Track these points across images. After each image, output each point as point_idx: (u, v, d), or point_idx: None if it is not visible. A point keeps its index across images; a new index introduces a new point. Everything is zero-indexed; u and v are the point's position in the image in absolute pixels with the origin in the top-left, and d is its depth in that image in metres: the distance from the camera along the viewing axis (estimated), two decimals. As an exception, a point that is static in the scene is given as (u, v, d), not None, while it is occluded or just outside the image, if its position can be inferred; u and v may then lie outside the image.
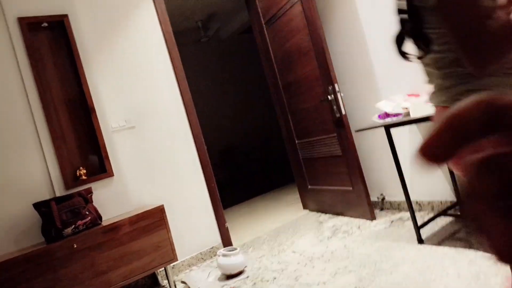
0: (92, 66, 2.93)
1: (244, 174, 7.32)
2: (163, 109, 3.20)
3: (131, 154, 3.01)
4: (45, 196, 2.64)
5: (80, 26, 2.93)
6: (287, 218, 3.83)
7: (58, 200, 2.45)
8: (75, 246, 2.32)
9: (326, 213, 3.57)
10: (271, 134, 7.97)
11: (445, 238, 2.34)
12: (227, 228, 3.34)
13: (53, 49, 2.83)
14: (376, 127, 2.34)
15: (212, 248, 3.24)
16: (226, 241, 3.31)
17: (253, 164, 7.46)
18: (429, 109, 2.23)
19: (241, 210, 4.92)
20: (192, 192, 3.24)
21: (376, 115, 2.54)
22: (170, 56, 3.27)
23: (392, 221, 2.89)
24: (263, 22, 3.72)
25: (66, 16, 2.85)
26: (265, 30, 3.70)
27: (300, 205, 4.10)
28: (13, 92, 2.64)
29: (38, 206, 2.42)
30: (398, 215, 3.00)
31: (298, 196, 4.64)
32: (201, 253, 3.19)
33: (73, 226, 2.40)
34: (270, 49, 3.70)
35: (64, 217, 2.40)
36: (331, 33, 3.26)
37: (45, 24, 2.81)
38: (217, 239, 3.29)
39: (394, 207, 3.15)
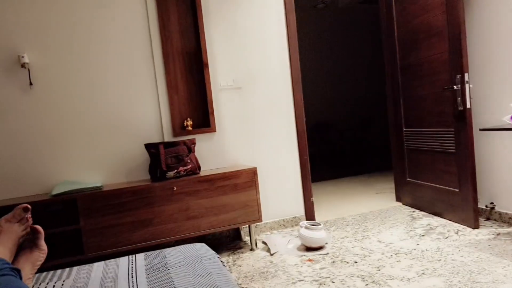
0: (211, 23, 3.04)
1: (336, 152, 7.16)
2: (270, 74, 3.22)
3: (234, 113, 3.11)
4: (155, 139, 2.89)
5: (206, -18, 3.02)
6: (376, 206, 3.67)
7: (166, 144, 2.66)
8: (175, 189, 2.52)
9: (421, 210, 3.33)
10: (372, 116, 7.60)
11: (563, 268, 2.02)
12: (312, 202, 3.33)
13: (179, 1, 2.98)
14: (507, 129, 2.04)
15: (295, 217, 3.28)
16: (310, 215, 3.31)
17: (347, 144, 7.24)
18: None
19: (328, 188, 4.85)
20: (284, 161, 3.27)
21: (508, 116, 2.22)
22: (286, 21, 3.23)
23: (498, 234, 2.58)
24: (392, -8, 3.42)
25: (193, -29, 2.95)
26: (393, 2, 3.41)
27: (392, 195, 3.88)
28: (140, 38, 2.87)
29: (148, 146, 2.66)
30: (507, 229, 2.67)
31: (390, 185, 4.40)
32: (283, 220, 3.24)
33: (176, 170, 2.60)
34: (395, 23, 3.41)
35: (169, 161, 2.61)
36: (470, 13, 2.89)
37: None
38: (300, 210, 3.31)
39: (504, 219, 2.80)
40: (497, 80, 2.73)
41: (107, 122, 2.79)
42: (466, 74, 2.60)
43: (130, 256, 1.53)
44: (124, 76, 2.82)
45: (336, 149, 7.18)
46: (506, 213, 2.79)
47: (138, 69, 2.86)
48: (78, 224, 2.35)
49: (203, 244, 1.47)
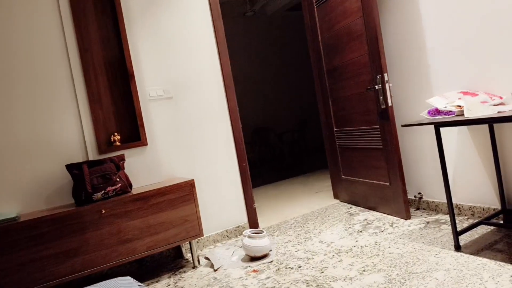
0: (134, 31, 2.89)
1: (275, 155, 7.24)
2: (202, 82, 3.13)
3: (166, 125, 2.98)
4: (78, 158, 2.66)
5: (126, -11, 2.87)
6: (316, 206, 3.73)
7: (90, 164, 2.46)
8: (103, 212, 2.33)
9: (357, 205, 3.44)
10: (307, 118, 7.80)
11: (485, 248, 2.18)
12: (255, 209, 3.29)
13: (97, 9, 2.78)
14: (425, 124, 2.16)
15: (238, 227, 3.21)
16: (253, 222, 3.27)
17: (285, 146, 7.36)
18: (485, 110, 2.03)
19: (269, 192, 4.86)
20: (223, 169, 3.19)
21: (425, 111, 2.35)
22: (214, 27, 3.18)
23: (428, 222, 2.73)
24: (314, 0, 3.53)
25: (113, -23, 2.79)
26: (315, 9, 3.51)
27: (331, 193, 3.98)
28: (55, 50, 2.63)
29: (70, 167, 2.44)
30: (435, 216, 2.84)
31: (329, 184, 4.53)
32: (226, 231, 3.16)
33: (103, 191, 2.41)
34: (318, 29, 3.52)
35: (95, 181, 2.41)
36: (385, 17, 3.04)
37: (92, -16, 2.77)
38: (243, 218, 3.26)
39: (431, 208, 2.98)
40: (414, 78, 2.90)
41: (20, 142, 2.50)
42: (385, 74, 2.74)
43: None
44: (37, 91, 2.56)
45: (275, 152, 7.27)
46: (433, 201, 2.96)
47: (54, 82, 2.62)
48: (-10, 263, 2.07)
49: (128, 278, 1.34)
